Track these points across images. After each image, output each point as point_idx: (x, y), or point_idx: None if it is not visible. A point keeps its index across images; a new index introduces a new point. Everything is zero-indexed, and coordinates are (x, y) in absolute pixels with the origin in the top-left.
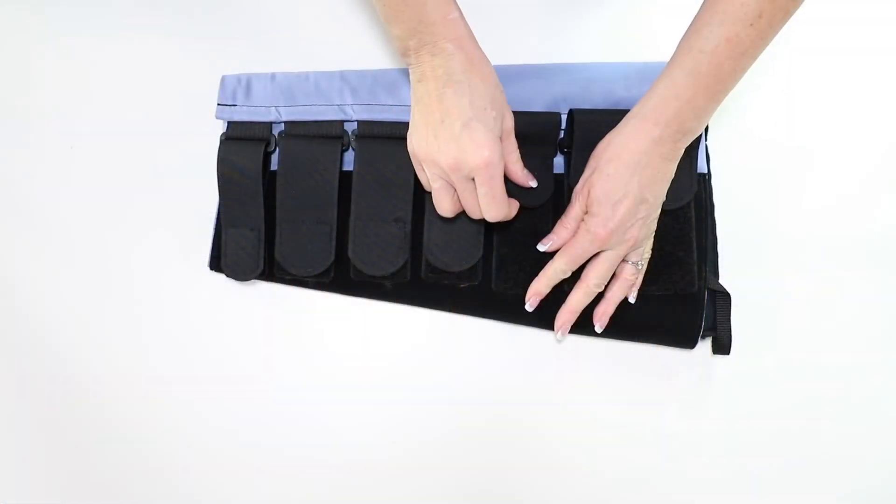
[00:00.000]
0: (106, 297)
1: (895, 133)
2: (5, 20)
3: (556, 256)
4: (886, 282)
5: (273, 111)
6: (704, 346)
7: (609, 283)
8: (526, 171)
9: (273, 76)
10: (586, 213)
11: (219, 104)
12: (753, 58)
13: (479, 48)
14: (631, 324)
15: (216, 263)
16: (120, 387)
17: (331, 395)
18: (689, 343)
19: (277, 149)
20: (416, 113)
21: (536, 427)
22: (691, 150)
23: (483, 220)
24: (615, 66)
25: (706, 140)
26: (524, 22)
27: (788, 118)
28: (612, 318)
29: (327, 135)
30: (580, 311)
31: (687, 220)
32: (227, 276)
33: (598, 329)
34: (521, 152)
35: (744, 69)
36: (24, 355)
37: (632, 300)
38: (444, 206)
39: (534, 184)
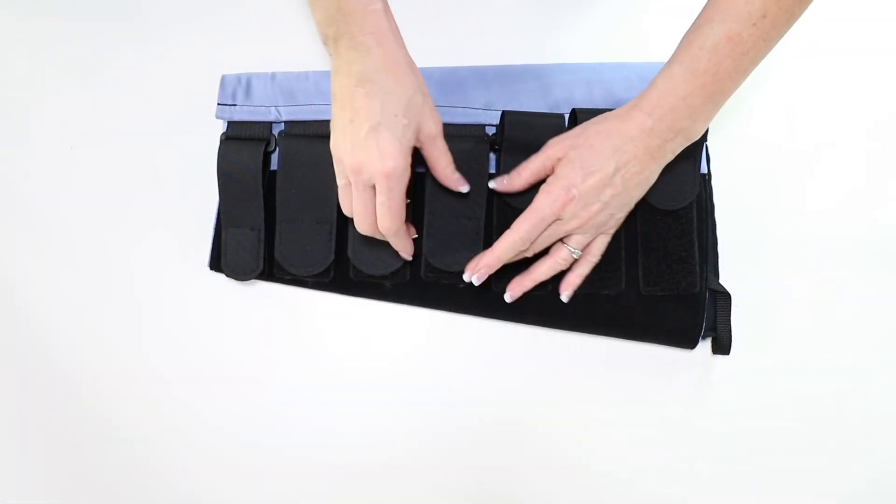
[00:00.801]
0: (106, 297)
1: (895, 132)
2: (5, 20)
3: (513, 226)
4: (886, 282)
5: (273, 111)
6: (704, 346)
7: (541, 258)
8: (458, 175)
9: (273, 76)
10: (551, 173)
11: (219, 104)
12: (755, 61)
13: (402, 46)
14: (631, 324)
15: (216, 263)
16: (120, 386)
17: (331, 395)
18: (689, 343)
19: (277, 148)
20: (333, 108)
21: (536, 427)
22: (694, 151)
23: (483, 222)
24: (615, 67)
25: (706, 140)
26: (524, 22)
27: (788, 119)
28: (613, 318)
29: (328, 134)
30: (505, 261)
31: (689, 220)
32: (227, 275)
33: (508, 299)
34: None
35: (744, 72)
36: (24, 355)
37: (564, 299)
38: (346, 206)
39: (465, 189)
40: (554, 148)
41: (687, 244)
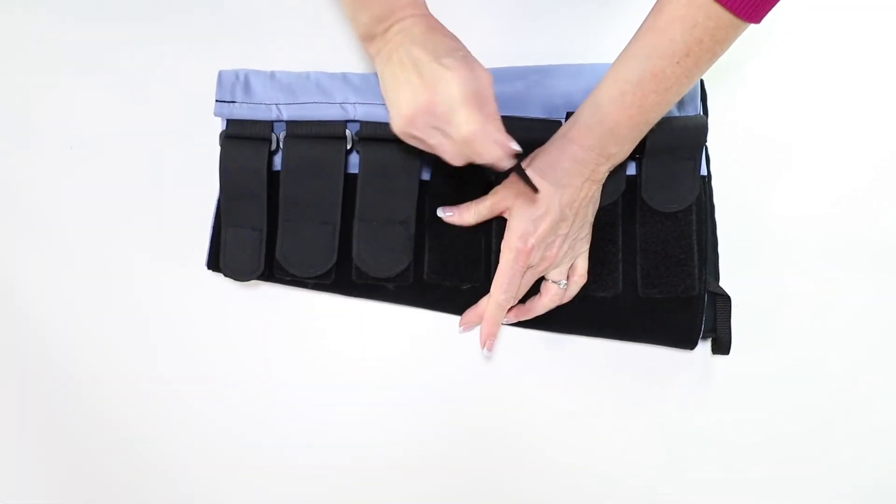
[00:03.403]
0: (106, 298)
1: (894, 134)
2: (5, 20)
3: (492, 291)
4: (886, 283)
5: (274, 109)
6: (704, 346)
7: (533, 297)
8: (507, 135)
9: (272, 74)
10: (498, 216)
11: (217, 100)
12: (678, 94)
13: (440, 23)
14: (630, 325)
15: (214, 262)
16: (120, 386)
17: (331, 396)
18: (688, 345)
19: (281, 149)
20: (388, 91)
21: (537, 427)
22: (695, 154)
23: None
24: None
25: (706, 142)
26: (524, 23)
27: (788, 119)
28: (611, 320)
29: (331, 135)
30: (500, 324)
31: (688, 222)
32: (227, 276)
33: (505, 322)
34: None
35: (668, 104)
36: (24, 355)
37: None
38: (450, 155)
39: (517, 147)
40: (499, 196)
41: (686, 247)
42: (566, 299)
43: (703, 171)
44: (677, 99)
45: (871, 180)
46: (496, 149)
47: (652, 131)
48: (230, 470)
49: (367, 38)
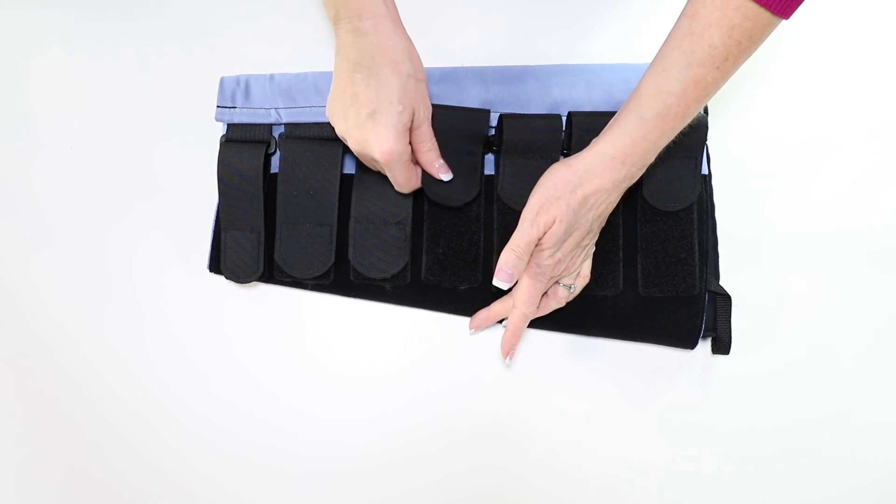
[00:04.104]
0: (105, 298)
1: (894, 132)
2: (5, 21)
3: (517, 303)
4: (886, 282)
5: (273, 113)
6: (704, 346)
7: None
8: (441, 162)
9: (272, 77)
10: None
11: (218, 106)
12: (713, 95)
13: (400, 31)
14: (630, 325)
15: (215, 265)
16: (119, 387)
17: (331, 396)
18: (689, 344)
19: (278, 151)
20: (333, 84)
21: (537, 426)
22: (696, 152)
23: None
24: (614, 68)
25: (707, 141)
26: (523, 23)
27: (788, 118)
28: (612, 319)
29: (328, 137)
30: (523, 330)
31: (689, 222)
32: (227, 278)
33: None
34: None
35: (703, 105)
36: (24, 356)
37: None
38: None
39: (446, 177)
40: (539, 217)
41: (687, 246)
42: (569, 298)
43: (704, 170)
44: (710, 99)
45: (871, 179)
46: (410, 177)
47: None
48: (230, 470)
49: (330, 19)
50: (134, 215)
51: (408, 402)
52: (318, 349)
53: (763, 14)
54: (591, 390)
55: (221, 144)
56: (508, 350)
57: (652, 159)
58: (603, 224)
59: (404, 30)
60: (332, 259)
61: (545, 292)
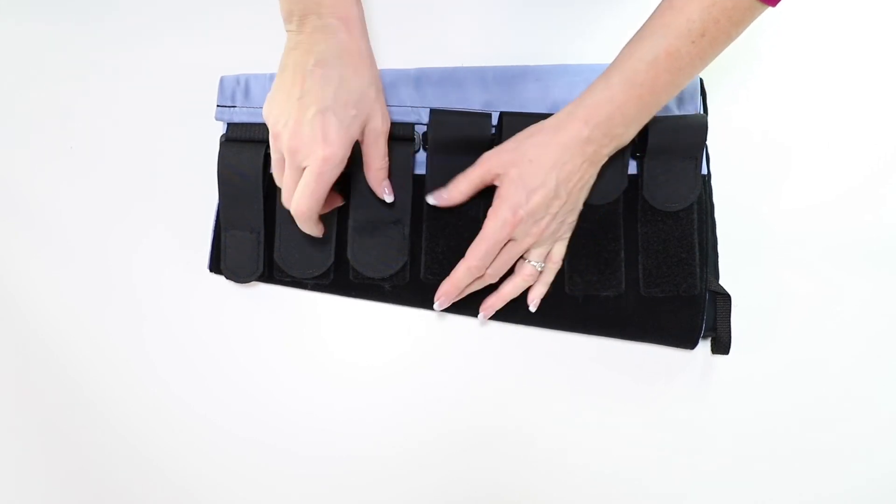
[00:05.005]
0: (106, 299)
1: (894, 132)
2: (5, 21)
3: (468, 253)
4: (886, 282)
5: None
6: (704, 346)
7: (506, 277)
8: (386, 182)
9: (272, 76)
10: (489, 186)
11: (218, 105)
12: (690, 76)
13: (366, 37)
14: (631, 324)
15: (216, 265)
16: (119, 387)
17: (330, 396)
18: (689, 344)
19: None
20: (279, 80)
21: (537, 426)
22: (696, 153)
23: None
24: None
25: (706, 141)
26: (524, 23)
27: (788, 118)
28: (612, 319)
29: None
30: (462, 288)
31: (689, 222)
32: (227, 277)
33: (482, 318)
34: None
35: (679, 85)
36: (24, 356)
37: (532, 309)
38: (277, 178)
39: (389, 198)
40: (492, 162)
41: (687, 246)
42: (539, 285)
43: (703, 171)
44: (688, 82)
45: (870, 179)
46: (320, 198)
47: (653, 130)
48: (230, 470)
49: (286, 16)
50: (134, 215)
51: (407, 401)
52: (318, 349)
53: None
54: (592, 390)
55: (221, 144)
56: (440, 296)
57: (622, 130)
58: (575, 194)
59: (368, 36)
60: (332, 259)
61: (512, 269)
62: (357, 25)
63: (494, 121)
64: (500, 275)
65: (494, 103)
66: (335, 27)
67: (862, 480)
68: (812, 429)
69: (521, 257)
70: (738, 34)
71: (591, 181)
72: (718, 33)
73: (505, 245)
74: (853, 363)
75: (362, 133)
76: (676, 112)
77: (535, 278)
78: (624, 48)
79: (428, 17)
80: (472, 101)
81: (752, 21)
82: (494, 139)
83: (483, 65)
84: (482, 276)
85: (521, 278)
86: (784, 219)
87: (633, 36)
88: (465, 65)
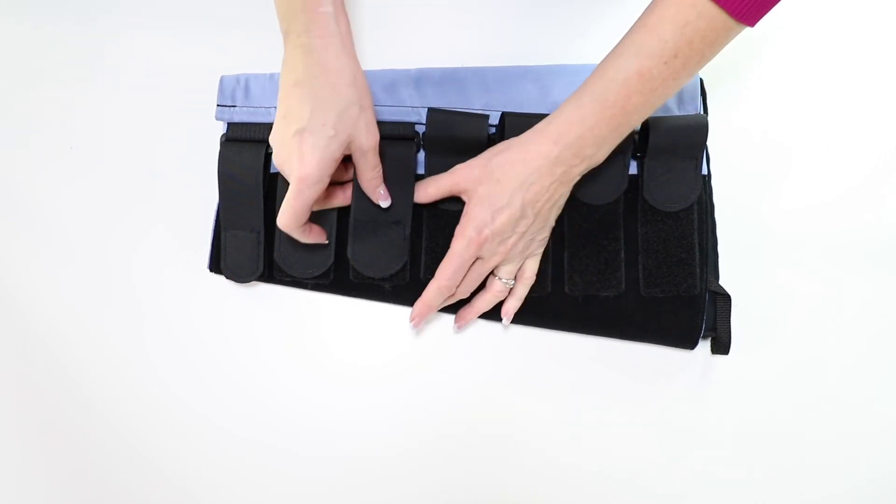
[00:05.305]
0: (106, 298)
1: (893, 132)
2: (5, 21)
3: (437, 273)
4: (886, 282)
5: (273, 111)
6: (704, 346)
7: (478, 291)
8: (383, 189)
9: (272, 76)
10: (456, 196)
11: (218, 105)
12: (663, 97)
13: (349, 54)
14: (631, 325)
15: (215, 265)
16: (119, 387)
17: (330, 396)
18: (689, 344)
19: None
20: (279, 93)
21: (536, 426)
22: (696, 153)
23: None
24: None
25: (707, 142)
26: (523, 23)
27: (788, 118)
28: (612, 319)
29: None
30: (435, 308)
31: (689, 222)
32: (227, 277)
33: (456, 329)
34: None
35: (652, 106)
36: (24, 356)
37: (504, 324)
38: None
39: (385, 203)
40: (461, 176)
41: (687, 246)
42: (512, 300)
43: (704, 171)
44: (661, 103)
45: (870, 179)
46: (303, 216)
47: (654, 130)
48: (230, 469)
49: (281, 30)
50: (134, 215)
51: (407, 401)
52: (318, 349)
53: (719, 16)
54: (592, 390)
55: (222, 144)
56: (414, 317)
57: (593, 151)
58: (544, 213)
59: (354, 54)
60: (332, 258)
61: (483, 284)
62: (335, 43)
63: (494, 120)
64: (470, 291)
65: (494, 104)
66: (314, 46)
67: (862, 480)
68: (812, 429)
69: (492, 273)
70: (713, 55)
71: (563, 199)
72: (692, 54)
73: (473, 263)
74: (853, 363)
75: (349, 149)
76: (677, 112)
77: (505, 294)
78: (598, 66)
79: (428, 17)
80: (472, 102)
81: (728, 41)
82: (495, 139)
83: (483, 65)
84: (453, 293)
85: (491, 294)
86: (784, 219)
87: (608, 53)
88: (465, 65)
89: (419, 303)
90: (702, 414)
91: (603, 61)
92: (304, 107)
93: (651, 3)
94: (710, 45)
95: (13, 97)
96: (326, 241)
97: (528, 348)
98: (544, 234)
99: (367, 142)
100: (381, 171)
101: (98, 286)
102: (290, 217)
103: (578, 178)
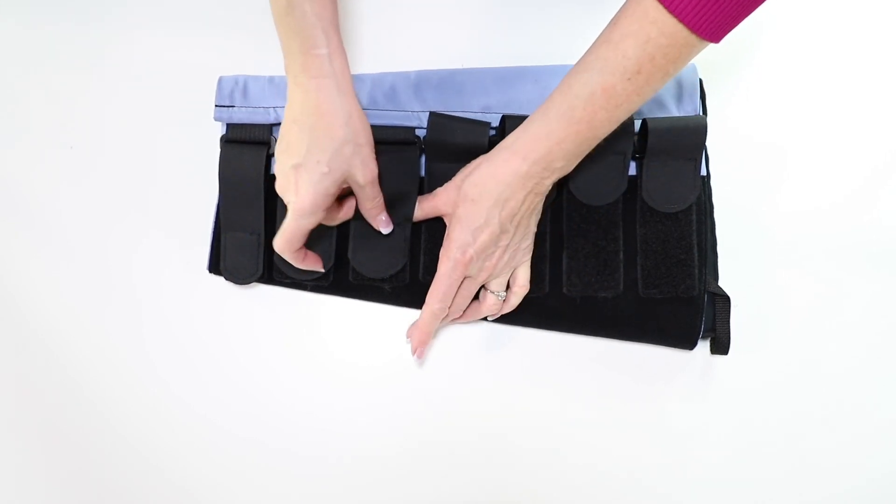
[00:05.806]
0: (105, 299)
1: (894, 133)
2: (5, 21)
3: (427, 299)
4: (885, 283)
5: (272, 112)
6: (703, 346)
7: (473, 303)
8: (384, 217)
9: (271, 79)
10: (446, 222)
11: (216, 105)
12: (628, 111)
13: (346, 93)
14: (629, 325)
15: (215, 266)
16: (119, 387)
17: (330, 397)
18: (688, 345)
19: None
20: (281, 126)
21: (536, 427)
22: (696, 154)
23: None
24: None
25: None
26: (522, 23)
27: (787, 119)
28: (611, 320)
29: None
30: (433, 333)
31: (688, 223)
32: (227, 279)
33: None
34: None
35: (618, 120)
36: (24, 356)
37: (490, 319)
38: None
39: (386, 230)
40: (441, 199)
41: (686, 247)
42: (507, 309)
43: (703, 171)
44: (627, 116)
45: (869, 180)
46: (297, 241)
47: (653, 132)
48: (230, 470)
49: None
50: (134, 215)
51: (407, 401)
52: (318, 349)
53: (681, 32)
54: (591, 390)
55: (223, 145)
56: (416, 347)
57: (563, 164)
58: (524, 223)
59: (351, 92)
60: (332, 260)
61: (476, 298)
62: (329, 85)
63: (495, 123)
64: (463, 309)
65: (493, 106)
66: (310, 87)
67: (862, 481)
68: (811, 429)
69: (483, 287)
70: (676, 71)
71: (540, 206)
72: (654, 70)
73: (462, 282)
74: (852, 364)
75: (346, 183)
76: (676, 113)
77: (500, 307)
78: (564, 78)
79: (427, 17)
80: (471, 104)
81: (691, 58)
82: (496, 141)
83: (481, 65)
84: (443, 312)
85: (485, 307)
86: (783, 220)
87: (575, 65)
88: (463, 66)
89: (416, 332)
90: (701, 414)
91: (569, 74)
92: (302, 144)
93: (615, 16)
94: (672, 62)
95: (13, 97)
96: (323, 270)
97: (528, 349)
98: (528, 242)
99: (364, 177)
100: (382, 201)
101: (98, 286)
102: (284, 242)
103: (550, 186)
